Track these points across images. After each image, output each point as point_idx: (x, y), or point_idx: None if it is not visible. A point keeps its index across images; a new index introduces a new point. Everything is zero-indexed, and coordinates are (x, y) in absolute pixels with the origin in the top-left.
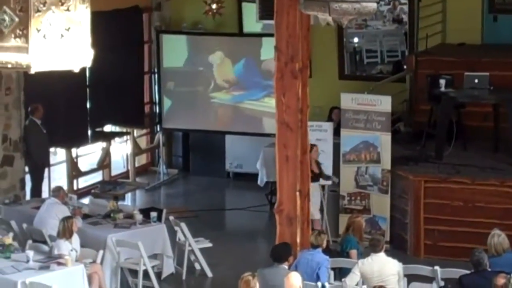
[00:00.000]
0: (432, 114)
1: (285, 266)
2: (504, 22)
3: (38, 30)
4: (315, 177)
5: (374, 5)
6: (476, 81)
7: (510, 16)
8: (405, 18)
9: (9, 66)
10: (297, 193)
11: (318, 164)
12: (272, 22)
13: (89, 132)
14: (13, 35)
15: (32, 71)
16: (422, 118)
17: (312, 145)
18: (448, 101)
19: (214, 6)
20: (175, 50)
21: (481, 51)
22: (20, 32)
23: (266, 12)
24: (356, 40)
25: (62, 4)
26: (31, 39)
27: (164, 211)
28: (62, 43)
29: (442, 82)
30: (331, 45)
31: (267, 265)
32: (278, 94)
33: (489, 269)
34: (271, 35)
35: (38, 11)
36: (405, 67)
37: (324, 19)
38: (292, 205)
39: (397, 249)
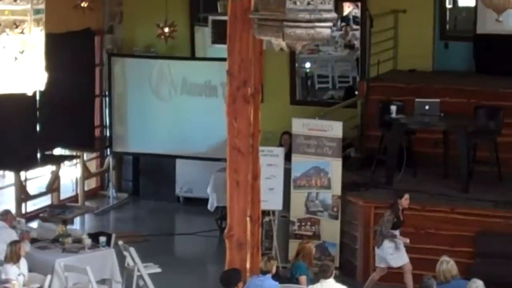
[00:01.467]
0: (383, 140)
1: None
2: (455, 49)
3: None
4: (401, 224)
5: (328, 31)
6: (427, 107)
7: (461, 43)
8: (356, 44)
9: None
10: (248, 219)
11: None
12: (225, 46)
13: (39, 155)
14: None
15: None
16: (373, 144)
17: (403, 193)
18: (398, 127)
19: (166, 29)
20: (126, 73)
21: (432, 78)
22: None
23: (218, 36)
24: (308, 65)
25: (17, 27)
26: None
27: (113, 236)
28: (16, 66)
29: (393, 108)
30: (283, 70)
31: None
32: (229, 118)
33: None
34: (221, 59)
35: None
36: (356, 92)
37: (277, 44)
38: (242, 231)
39: (346, 275)
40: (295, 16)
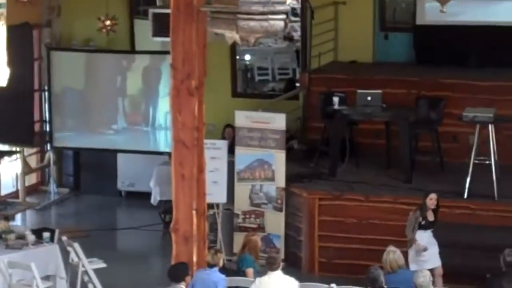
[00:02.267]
0: (325, 131)
1: (182, 286)
2: (395, 40)
3: None
4: (430, 225)
5: (281, 23)
6: (369, 98)
7: (401, 34)
8: (296, 35)
9: None
10: (193, 212)
11: (435, 212)
12: (165, 39)
13: None
14: None
15: None
16: (315, 136)
17: (429, 192)
18: (341, 118)
19: (108, 22)
20: (66, 68)
21: (373, 69)
22: None
23: (159, 29)
24: (247, 57)
25: None
26: None
27: (57, 232)
28: None
29: (336, 99)
30: (223, 62)
31: (164, 285)
32: (174, 111)
33: (385, 286)
34: (164, 52)
35: None
36: (297, 84)
37: (230, 37)
38: (189, 224)
39: (291, 266)
40: (248, 9)
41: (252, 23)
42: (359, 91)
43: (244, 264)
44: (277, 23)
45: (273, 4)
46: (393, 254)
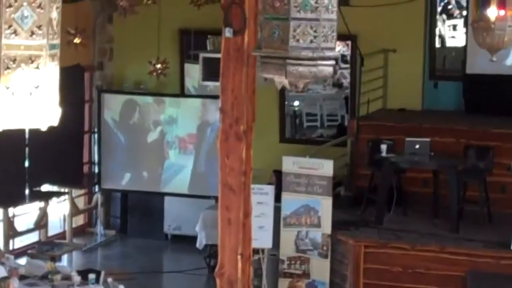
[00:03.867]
0: (373, 178)
1: None
2: (444, 88)
3: (7, 88)
4: None
5: (330, 69)
6: (417, 146)
7: (450, 83)
8: (345, 82)
9: None
10: (239, 257)
11: None
12: (215, 83)
13: (27, 191)
14: None
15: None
16: (362, 183)
17: None
18: (389, 166)
19: (158, 66)
20: (116, 110)
21: (421, 117)
22: None
23: (209, 73)
24: (296, 103)
25: (32, 62)
26: None
27: (103, 273)
28: (31, 101)
29: (383, 147)
30: (272, 108)
31: None
32: (222, 156)
33: None
34: (214, 96)
35: (8, 68)
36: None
37: (279, 82)
38: (234, 269)
39: None
40: (298, 54)
41: (301, 68)
42: (407, 139)
43: None
44: (326, 68)
45: (322, 50)
46: None
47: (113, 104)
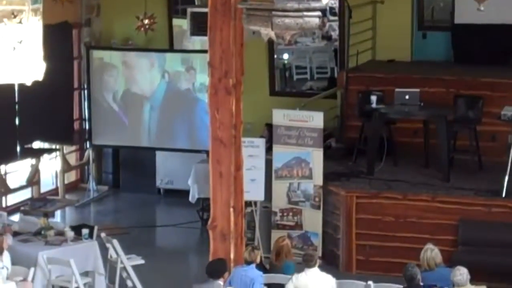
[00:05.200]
0: (363, 130)
1: (220, 282)
2: (433, 39)
3: None
4: None
5: (316, 20)
6: (407, 97)
7: (439, 33)
8: (334, 34)
9: None
10: (231, 209)
11: None
12: (203, 38)
13: (18, 148)
14: None
15: None
16: (353, 134)
17: None
18: (379, 117)
19: (146, 21)
20: (104, 66)
21: (411, 68)
22: None
23: (197, 28)
24: (286, 56)
25: (15, 17)
26: None
27: (96, 228)
28: (14, 55)
29: (373, 98)
30: (261, 61)
31: (202, 281)
32: (211, 110)
33: (422, 284)
34: (202, 51)
35: None
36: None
37: (266, 34)
38: (226, 221)
39: (329, 264)
40: (283, 6)
41: (287, 20)
42: (397, 89)
43: (290, 271)
44: (312, 20)
45: (308, 1)
46: (431, 251)
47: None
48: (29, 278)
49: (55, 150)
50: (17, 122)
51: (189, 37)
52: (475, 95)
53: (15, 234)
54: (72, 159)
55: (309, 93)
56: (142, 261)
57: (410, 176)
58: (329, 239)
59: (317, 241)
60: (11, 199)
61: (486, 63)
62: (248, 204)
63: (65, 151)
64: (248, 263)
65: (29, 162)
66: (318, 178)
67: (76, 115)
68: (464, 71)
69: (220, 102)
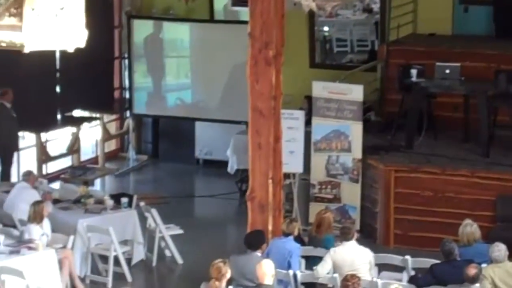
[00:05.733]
0: (403, 103)
1: (258, 253)
2: (474, 13)
3: (33, 9)
4: None
5: None
6: (448, 71)
7: (480, 7)
8: (375, 7)
9: (3, 44)
10: (269, 181)
11: None
12: (244, 8)
13: (59, 116)
14: (7, 14)
15: (26, 50)
16: (392, 108)
17: None
18: (419, 91)
19: None
20: (145, 35)
21: (452, 42)
22: (15, 11)
23: None
24: (326, 29)
25: None
26: (25, 18)
27: (135, 197)
28: (56, 22)
29: (414, 72)
30: (301, 33)
31: (240, 252)
32: (251, 80)
33: (459, 259)
34: (242, 22)
35: None
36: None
37: (307, 5)
38: (264, 193)
39: (366, 238)
40: None
41: None
42: (437, 63)
43: (330, 244)
44: None
45: None
46: (470, 227)
47: (143, 30)
48: (69, 246)
49: (95, 118)
50: (58, 90)
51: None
52: None
53: (55, 201)
54: (112, 128)
55: (349, 66)
56: (180, 231)
57: (450, 151)
58: (367, 213)
59: (355, 215)
60: (52, 167)
61: None
62: (287, 176)
63: (105, 120)
64: (286, 235)
65: (69, 130)
66: (357, 151)
67: (116, 84)
68: (505, 46)
69: (260, 73)
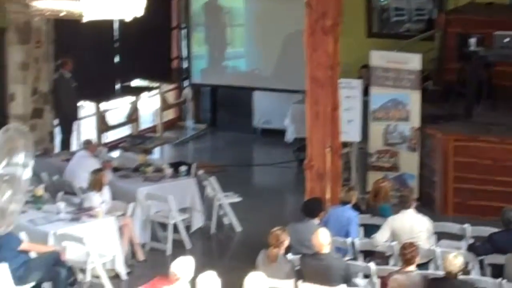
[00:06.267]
0: (462, 72)
1: (316, 221)
2: None
3: None
4: None
5: None
6: (507, 40)
7: None
8: None
9: (62, 14)
10: (328, 149)
11: None
12: None
13: (117, 86)
14: None
15: (85, 20)
16: (450, 77)
17: None
18: (478, 60)
19: None
20: (203, 5)
21: (510, 11)
22: None
23: None
24: None
25: None
26: None
27: (194, 165)
28: None
29: (472, 41)
30: (358, 3)
31: (298, 220)
32: (309, 50)
33: None
34: None
35: None
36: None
37: None
38: (322, 161)
39: (425, 207)
40: None
41: None
42: (496, 32)
43: (387, 213)
44: None
45: None
46: None
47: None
48: (129, 213)
49: (154, 88)
50: (116, 60)
51: None
52: None
53: (115, 170)
54: (171, 98)
55: (407, 35)
56: (239, 199)
57: (509, 120)
58: (425, 182)
59: (413, 183)
60: (111, 136)
61: None
62: (345, 145)
63: (163, 90)
64: (344, 203)
65: (128, 99)
66: (415, 120)
67: (174, 53)
68: None
69: (317, 43)
